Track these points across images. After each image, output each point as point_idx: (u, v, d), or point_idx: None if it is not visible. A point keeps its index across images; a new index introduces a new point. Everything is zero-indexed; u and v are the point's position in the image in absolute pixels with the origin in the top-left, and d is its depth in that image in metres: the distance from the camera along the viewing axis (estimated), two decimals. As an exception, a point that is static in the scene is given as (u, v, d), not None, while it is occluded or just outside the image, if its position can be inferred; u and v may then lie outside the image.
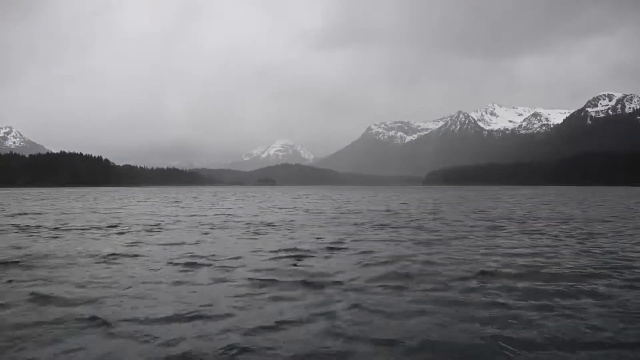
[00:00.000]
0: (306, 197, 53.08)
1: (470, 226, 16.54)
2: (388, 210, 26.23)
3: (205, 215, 22.56)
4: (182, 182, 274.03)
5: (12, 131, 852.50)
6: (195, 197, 53.04)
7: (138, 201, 41.85)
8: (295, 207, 31.27)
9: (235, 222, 18.75)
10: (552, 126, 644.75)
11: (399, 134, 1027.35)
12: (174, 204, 35.20)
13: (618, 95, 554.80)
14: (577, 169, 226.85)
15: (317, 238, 13.20)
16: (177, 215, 22.55)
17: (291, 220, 19.24)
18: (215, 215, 23.00)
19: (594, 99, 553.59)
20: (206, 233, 14.61)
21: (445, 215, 22.52)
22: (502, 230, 15.18)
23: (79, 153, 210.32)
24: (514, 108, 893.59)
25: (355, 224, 17.52)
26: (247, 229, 15.66)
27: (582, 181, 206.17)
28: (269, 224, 17.57)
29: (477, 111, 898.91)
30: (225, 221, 19.10)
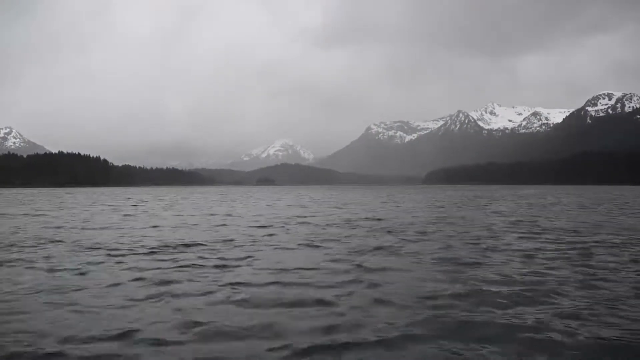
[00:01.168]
0: (289, 200, 49.60)
1: None
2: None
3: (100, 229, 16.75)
4: (182, 182, 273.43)
5: (12, 131, 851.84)
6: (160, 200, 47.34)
7: (92, 203, 38.44)
8: (263, 214, 24.65)
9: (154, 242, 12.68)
10: (551, 125, 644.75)
11: (399, 133, 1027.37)
12: (113, 211, 28.08)
13: (618, 94, 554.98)
14: (577, 168, 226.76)
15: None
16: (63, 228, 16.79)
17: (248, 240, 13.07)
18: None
19: (593, 98, 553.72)
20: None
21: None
22: None
23: (77, 153, 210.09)
24: (513, 107, 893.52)
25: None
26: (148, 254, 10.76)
27: (582, 180, 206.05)
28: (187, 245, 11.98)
29: (476, 110, 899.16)
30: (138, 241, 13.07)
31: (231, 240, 13.19)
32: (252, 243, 12.59)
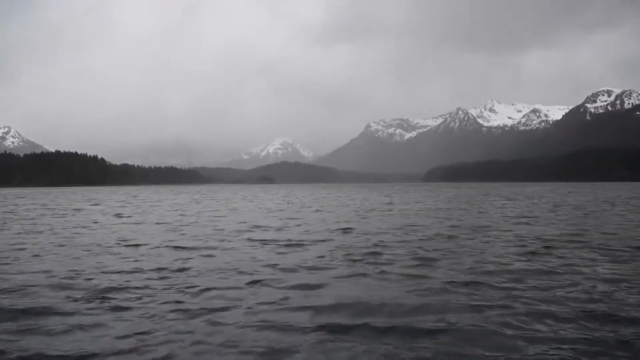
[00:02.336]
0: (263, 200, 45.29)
1: None
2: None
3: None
4: (181, 181, 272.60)
5: (10, 131, 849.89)
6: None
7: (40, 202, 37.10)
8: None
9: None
10: (551, 122, 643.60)
11: (398, 131, 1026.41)
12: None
13: (617, 91, 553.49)
14: (577, 165, 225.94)
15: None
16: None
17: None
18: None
19: (593, 95, 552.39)
20: None
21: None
22: None
23: (74, 152, 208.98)
24: (513, 105, 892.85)
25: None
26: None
27: (582, 177, 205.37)
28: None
29: (476, 108, 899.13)
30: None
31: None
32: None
